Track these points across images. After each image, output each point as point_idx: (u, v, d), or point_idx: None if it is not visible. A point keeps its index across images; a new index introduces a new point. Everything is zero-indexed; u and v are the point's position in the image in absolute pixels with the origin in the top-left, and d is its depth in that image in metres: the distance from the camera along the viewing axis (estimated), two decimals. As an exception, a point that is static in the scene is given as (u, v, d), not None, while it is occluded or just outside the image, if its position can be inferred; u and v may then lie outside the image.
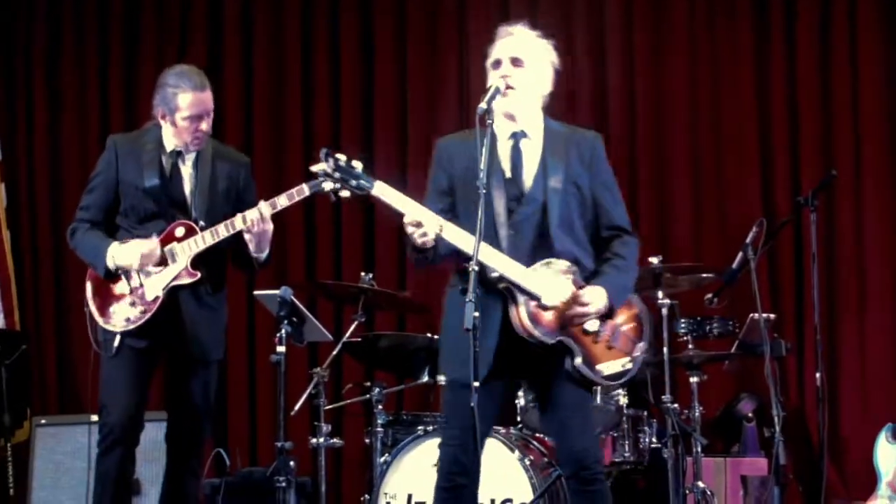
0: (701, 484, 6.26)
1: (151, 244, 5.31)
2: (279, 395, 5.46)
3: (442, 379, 5.21)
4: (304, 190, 5.23)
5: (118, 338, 5.33)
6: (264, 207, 5.27)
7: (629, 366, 4.66)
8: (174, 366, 5.53)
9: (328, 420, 6.29)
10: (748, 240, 6.24)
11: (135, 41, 8.56)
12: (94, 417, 5.64)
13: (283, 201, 5.29)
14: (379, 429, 6.29)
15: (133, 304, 5.33)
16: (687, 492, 6.23)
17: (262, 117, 8.43)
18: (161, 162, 5.42)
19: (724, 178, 7.87)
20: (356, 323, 6.40)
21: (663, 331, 6.25)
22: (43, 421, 7.44)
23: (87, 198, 5.52)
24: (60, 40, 8.62)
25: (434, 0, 8.35)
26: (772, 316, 6.84)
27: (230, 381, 8.06)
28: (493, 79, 4.58)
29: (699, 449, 6.31)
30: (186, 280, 5.34)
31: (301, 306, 5.68)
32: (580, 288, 4.54)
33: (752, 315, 6.46)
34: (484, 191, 4.29)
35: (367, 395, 6.43)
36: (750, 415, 7.15)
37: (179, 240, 5.33)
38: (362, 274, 6.49)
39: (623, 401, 6.31)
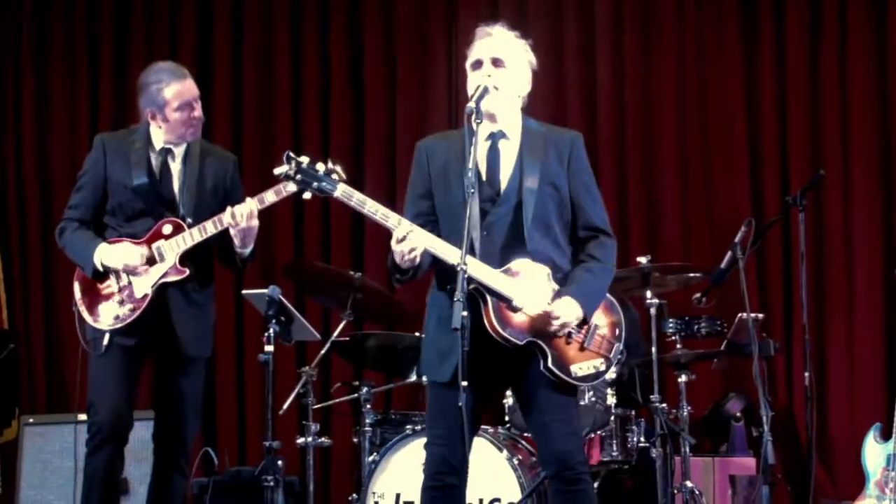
0: (689, 483, 6.26)
1: (137, 256, 5.30)
2: (267, 394, 5.47)
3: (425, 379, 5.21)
4: (292, 186, 5.24)
5: (107, 336, 5.34)
6: (253, 203, 5.28)
7: (602, 367, 4.63)
8: (162, 363, 5.53)
9: (316, 419, 6.29)
10: (737, 239, 6.24)
11: (124, 43, 8.54)
12: (82, 417, 5.64)
13: (270, 197, 5.30)
14: (367, 428, 6.29)
15: (122, 302, 5.34)
16: (675, 491, 6.23)
17: (251, 117, 8.42)
18: (149, 160, 5.43)
19: (712, 178, 7.88)
20: (344, 322, 6.41)
21: (652, 330, 6.26)
22: (31, 420, 7.43)
23: (75, 197, 5.52)
24: (49, 40, 8.59)
25: (423, 1, 8.35)
26: (760, 315, 6.84)
27: (218, 380, 8.05)
28: (476, 79, 4.57)
29: (687, 448, 6.31)
30: (175, 277, 5.35)
31: (289, 305, 5.68)
32: (555, 295, 4.52)
33: (740, 315, 6.46)
34: (472, 190, 4.30)
35: (356, 395, 6.44)
36: (738, 414, 7.15)
37: (167, 237, 5.34)
38: (351, 273, 6.50)
39: (611, 400, 6.31)
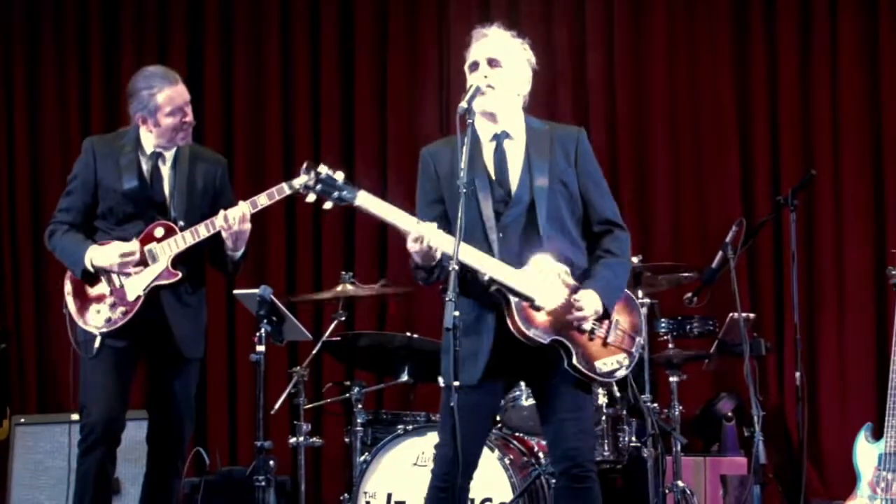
0: (680, 483, 6.26)
1: (132, 246, 5.30)
2: (259, 394, 5.45)
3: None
4: (285, 189, 5.26)
5: (98, 338, 5.32)
6: (245, 207, 5.28)
7: (626, 362, 4.66)
8: (155, 365, 5.52)
9: (308, 419, 6.31)
10: (728, 239, 6.25)
11: (115, 44, 8.53)
12: (74, 417, 5.63)
13: (263, 200, 5.31)
14: (358, 428, 6.28)
15: (114, 304, 5.33)
16: (666, 491, 6.24)
17: (241, 119, 8.42)
18: (140, 164, 5.42)
19: (703, 178, 7.89)
20: (336, 322, 6.41)
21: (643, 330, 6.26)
22: (22, 420, 7.43)
23: (64, 200, 5.51)
24: (40, 40, 8.59)
25: (414, 4, 8.34)
26: (751, 315, 6.85)
27: (210, 380, 8.03)
28: (473, 80, 4.57)
29: (679, 448, 6.32)
30: (167, 280, 5.34)
31: (280, 305, 5.67)
32: (573, 291, 4.54)
33: (731, 314, 6.46)
34: (464, 190, 4.29)
35: (347, 395, 6.43)
36: (729, 414, 7.16)
37: (159, 240, 5.33)
38: (342, 273, 6.50)
39: (602, 400, 6.31)
